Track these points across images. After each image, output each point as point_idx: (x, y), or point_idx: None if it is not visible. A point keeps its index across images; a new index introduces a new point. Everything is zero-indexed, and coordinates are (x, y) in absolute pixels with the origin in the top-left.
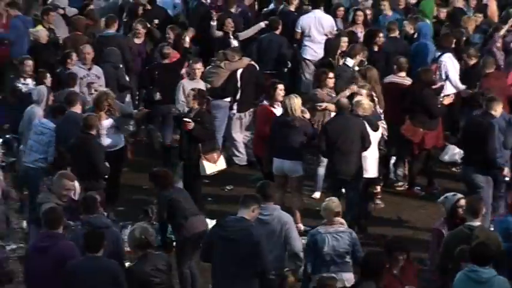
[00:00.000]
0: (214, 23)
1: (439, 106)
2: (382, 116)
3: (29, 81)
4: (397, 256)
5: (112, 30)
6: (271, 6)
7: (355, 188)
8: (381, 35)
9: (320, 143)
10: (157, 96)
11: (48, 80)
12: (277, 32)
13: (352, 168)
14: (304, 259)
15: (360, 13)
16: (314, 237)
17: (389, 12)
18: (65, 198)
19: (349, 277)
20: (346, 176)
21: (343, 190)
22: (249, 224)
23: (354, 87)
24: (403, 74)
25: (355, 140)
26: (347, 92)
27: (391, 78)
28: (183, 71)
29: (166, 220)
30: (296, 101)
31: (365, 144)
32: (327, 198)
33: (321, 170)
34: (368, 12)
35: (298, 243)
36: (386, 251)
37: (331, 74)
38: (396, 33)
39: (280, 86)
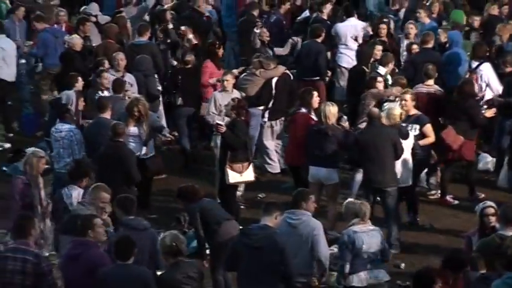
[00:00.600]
0: (258, 30)
1: (481, 117)
2: None
3: (106, 93)
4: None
5: (144, 38)
6: (305, 14)
7: (390, 196)
8: (415, 46)
9: (352, 153)
10: (179, 101)
11: (79, 84)
12: (319, 39)
13: (385, 177)
14: (338, 260)
15: (383, 26)
16: (351, 237)
17: (427, 20)
18: (102, 210)
19: (383, 275)
20: (380, 185)
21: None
22: (272, 231)
23: (398, 90)
24: (431, 82)
25: (387, 149)
26: (395, 91)
27: (419, 87)
28: (214, 80)
29: (200, 230)
30: (330, 109)
31: (397, 153)
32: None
33: (358, 176)
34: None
35: (324, 250)
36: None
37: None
38: (430, 45)
39: (316, 93)
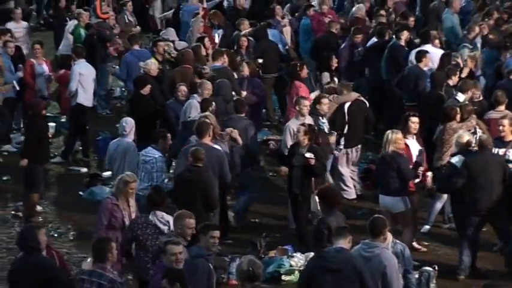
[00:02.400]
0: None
1: None
2: None
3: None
4: None
5: (219, 63)
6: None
7: (501, 217)
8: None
9: (455, 180)
10: None
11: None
12: (421, 64)
13: (494, 204)
14: None
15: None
16: None
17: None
18: (189, 237)
19: None
20: (488, 212)
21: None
22: (350, 253)
23: (473, 121)
24: (502, 107)
25: (497, 177)
26: (474, 123)
27: (490, 114)
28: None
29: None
30: (391, 137)
31: (506, 178)
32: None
33: (438, 205)
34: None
35: (396, 285)
36: None
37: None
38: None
39: (413, 119)
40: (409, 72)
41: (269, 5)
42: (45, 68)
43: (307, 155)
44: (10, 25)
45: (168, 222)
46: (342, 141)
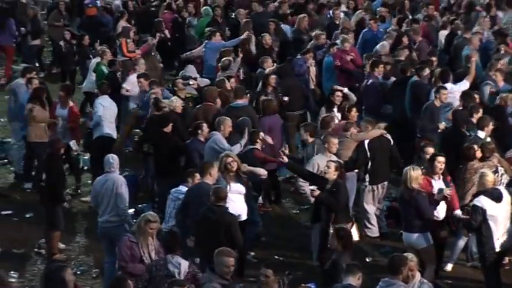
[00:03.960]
0: None
1: None
2: None
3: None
4: None
5: (242, 101)
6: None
7: None
8: None
9: (472, 220)
10: None
11: None
12: (436, 102)
13: None
14: None
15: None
16: None
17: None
18: (229, 275)
19: None
20: None
21: None
22: None
23: (495, 160)
24: None
25: None
26: (496, 162)
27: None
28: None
29: None
30: (410, 174)
31: None
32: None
33: (461, 243)
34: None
35: None
36: None
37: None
38: None
39: (440, 159)
40: (425, 108)
41: (300, 47)
42: (65, 112)
43: (311, 187)
44: None
45: (179, 264)
46: (367, 178)
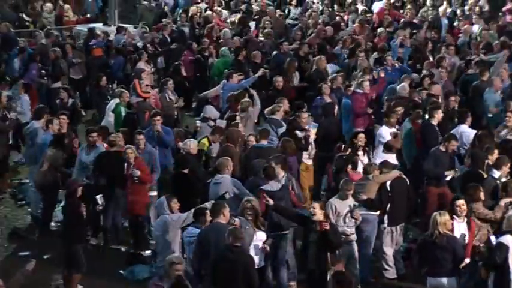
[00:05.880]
0: None
1: None
2: None
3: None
4: None
5: (265, 142)
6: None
7: None
8: None
9: (496, 256)
10: None
11: None
12: (442, 147)
13: None
14: None
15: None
16: None
17: None
18: None
19: None
20: None
21: None
22: None
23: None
24: None
25: None
26: (498, 216)
27: None
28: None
29: None
30: (440, 219)
31: None
32: None
33: None
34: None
35: None
36: None
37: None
38: None
39: (459, 202)
40: (431, 153)
41: (316, 85)
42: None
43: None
44: None
45: None
46: (386, 220)
